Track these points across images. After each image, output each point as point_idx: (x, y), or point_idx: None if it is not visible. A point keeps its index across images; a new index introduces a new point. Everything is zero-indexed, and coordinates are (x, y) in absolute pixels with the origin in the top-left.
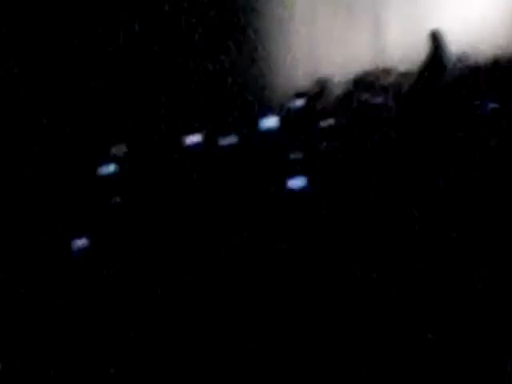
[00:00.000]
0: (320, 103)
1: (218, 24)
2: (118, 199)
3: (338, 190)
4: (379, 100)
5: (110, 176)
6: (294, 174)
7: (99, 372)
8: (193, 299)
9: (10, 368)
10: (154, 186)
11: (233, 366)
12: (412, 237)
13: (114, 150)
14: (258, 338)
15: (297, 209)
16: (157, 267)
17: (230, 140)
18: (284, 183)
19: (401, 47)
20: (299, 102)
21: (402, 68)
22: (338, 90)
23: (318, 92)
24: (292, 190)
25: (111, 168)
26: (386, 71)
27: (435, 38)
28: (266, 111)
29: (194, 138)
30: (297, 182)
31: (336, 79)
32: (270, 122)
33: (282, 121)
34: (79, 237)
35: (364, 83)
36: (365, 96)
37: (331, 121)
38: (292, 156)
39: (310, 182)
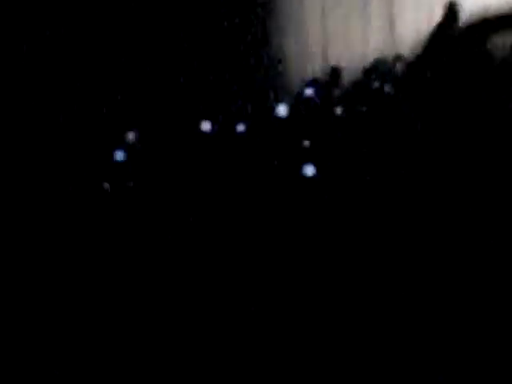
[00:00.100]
0: (332, 91)
1: (230, 11)
2: (131, 184)
3: (350, 178)
4: (391, 88)
5: (123, 162)
6: (306, 162)
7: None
8: (203, 284)
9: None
10: (167, 172)
11: (233, 365)
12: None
13: (127, 136)
14: (263, 330)
15: (309, 196)
16: (169, 253)
17: (242, 127)
18: (296, 170)
19: (413, 35)
20: (311, 90)
21: (413, 56)
22: (350, 78)
23: (330, 80)
24: (304, 178)
25: (124, 154)
26: (398, 59)
27: (451, 10)
28: (278, 99)
29: (206, 125)
30: (309, 170)
31: (348, 67)
32: (282, 109)
33: (294, 109)
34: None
35: (376, 71)
36: (376, 84)
37: (343, 109)
38: (304, 143)
39: (321, 169)
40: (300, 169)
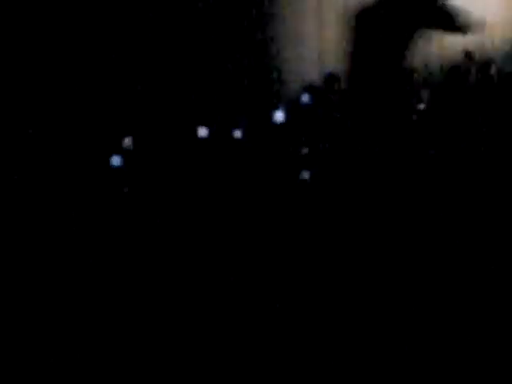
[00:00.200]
0: (330, 98)
1: (227, 19)
2: (126, 189)
3: (345, 184)
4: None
5: (120, 167)
6: (303, 168)
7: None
8: (202, 288)
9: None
10: (164, 178)
11: (233, 365)
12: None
13: (124, 142)
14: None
15: (305, 201)
16: (165, 258)
17: (239, 133)
18: (293, 177)
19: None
20: (308, 97)
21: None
22: (347, 85)
23: (328, 87)
24: (302, 183)
25: (121, 159)
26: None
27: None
28: (275, 105)
29: (203, 131)
30: (305, 176)
31: (345, 74)
32: (279, 116)
33: (291, 115)
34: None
35: (372, 79)
36: (373, 91)
37: (340, 115)
38: (302, 150)
39: (317, 176)
40: (297, 174)
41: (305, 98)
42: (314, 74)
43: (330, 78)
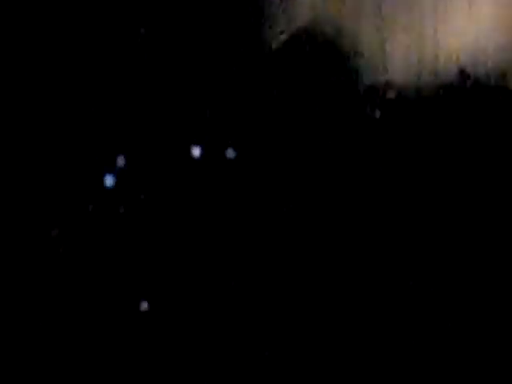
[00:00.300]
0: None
1: (221, 44)
2: (121, 209)
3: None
4: (381, 115)
5: (113, 187)
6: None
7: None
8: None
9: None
10: (158, 197)
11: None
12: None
13: (118, 161)
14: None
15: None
16: (160, 276)
17: (233, 153)
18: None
19: (403, 60)
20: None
21: (404, 81)
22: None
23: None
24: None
25: (114, 179)
26: (389, 85)
27: None
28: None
29: (197, 150)
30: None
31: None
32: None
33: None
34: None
35: (367, 97)
36: (367, 110)
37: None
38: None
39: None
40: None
41: None
42: None
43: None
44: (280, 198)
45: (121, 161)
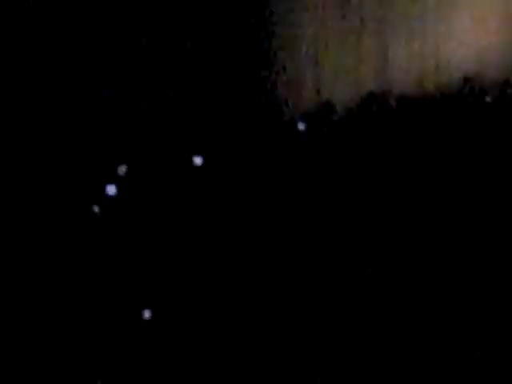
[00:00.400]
0: (325, 126)
1: (216, 49)
2: (123, 218)
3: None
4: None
5: (114, 196)
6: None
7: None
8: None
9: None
10: (159, 208)
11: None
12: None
13: (118, 171)
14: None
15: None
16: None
17: (235, 163)
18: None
19: (403, 70)
20: (303, 125)
21: (404, 91)
22: (342, 114)
23: (323, 115)
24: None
25: (115, 188)
26: (389, 95)
27: None
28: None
29: (197, 160)
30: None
31: (341, 102)
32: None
33: (286, 143)
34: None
35: (368, 107)
36: (369, 120)
37: (336, 144)
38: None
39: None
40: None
41: (300, 126)
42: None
43: (326, 107)
44: (280, 198)
45: (122, 170)
